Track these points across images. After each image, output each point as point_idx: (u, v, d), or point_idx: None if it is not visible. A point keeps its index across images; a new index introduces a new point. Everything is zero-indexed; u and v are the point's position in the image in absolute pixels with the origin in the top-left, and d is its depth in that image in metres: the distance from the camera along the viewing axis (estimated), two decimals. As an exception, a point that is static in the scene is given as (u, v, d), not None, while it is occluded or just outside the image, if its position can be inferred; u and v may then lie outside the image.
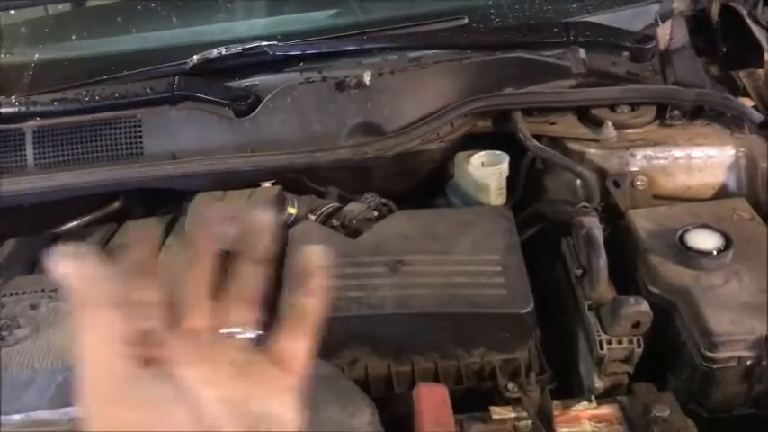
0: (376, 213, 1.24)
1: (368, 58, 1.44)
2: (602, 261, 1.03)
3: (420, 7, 1.56)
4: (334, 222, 1.23)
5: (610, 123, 1.24)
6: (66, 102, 1.37)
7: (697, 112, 1.27)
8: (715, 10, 1.37)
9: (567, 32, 1.39)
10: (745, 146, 1.19)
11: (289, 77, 1.40)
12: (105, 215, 1.38)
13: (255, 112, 1.34)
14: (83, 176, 1.29)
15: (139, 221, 1.34)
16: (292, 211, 1.27)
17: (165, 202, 1.40)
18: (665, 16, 1.45)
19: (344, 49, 1.45)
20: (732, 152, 1.19)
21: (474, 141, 1.36)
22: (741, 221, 1.09)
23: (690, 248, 1.02)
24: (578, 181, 1.23)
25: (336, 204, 1.29)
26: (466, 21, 1.46)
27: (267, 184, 1.32)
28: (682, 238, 1.03)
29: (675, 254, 1.03)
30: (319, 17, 1.63)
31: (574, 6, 1.50)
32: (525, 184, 1.31)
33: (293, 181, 1.34)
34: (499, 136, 1.35)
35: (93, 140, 1.33)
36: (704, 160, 1.20)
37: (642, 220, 1.12)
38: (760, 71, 1.32)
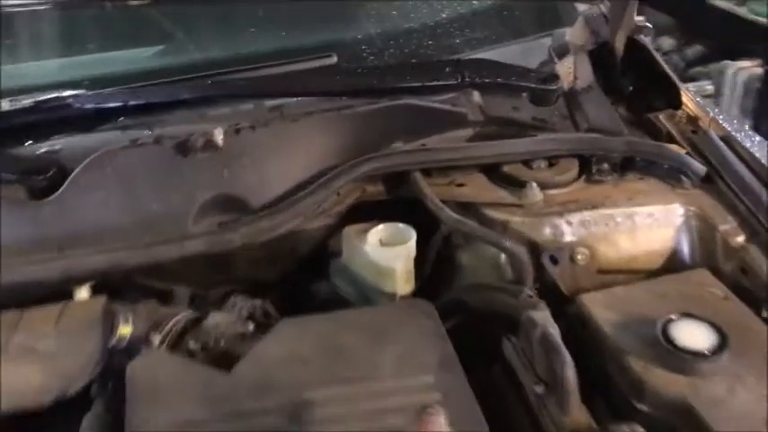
0: (251, 325, 0.90)
1: (213, 108, 1.10)
2: (572, 373, 0.78)
3: (273, 42, 1.24)
4: (192, 345, 0.87)
5: (534, 184, 1.00)
6: None
7: (626, 165, 1.07)
8: (620, 43, 1.20)
9: (460, 72, 1.14)
10: (693, 203, 1.00)
11: (106, 138, 1.02)
12: None
13: (61, 190, 0.95)
14: None
15: None
16: (126, 331, 0.89)
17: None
18: (560, 52, 1.26)
19: (181, 97, 1.10)
20: (681, 211, 0.99)
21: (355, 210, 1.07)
22: (716, 302, 0.88)
23: (679, 348, 0.79)
24: (502, 256, 0.98)
25: (190, 313, 0.93)
26: (335, 59, 1.17)
27: (83, 292, 0.93)
28: (665, 333, 0.80)
29: (659, 354, 0.80)
30: (139, 56, 1.26)
31: (457, 41, 1.27)
32: (435, 263, 1.04)
33: (122, 280, 0.96)
34: (387, 202, 1.07)
35: None
36: (649, 224, 0.99)
37: (600, 309, 0.88)
38: (680, 112, 1.16)
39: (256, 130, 1.01)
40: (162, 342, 0.89)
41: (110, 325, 0.88)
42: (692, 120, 1.14)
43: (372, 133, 1.08)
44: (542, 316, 0.85)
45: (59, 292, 0.91)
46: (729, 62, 3.03)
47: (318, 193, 0.96)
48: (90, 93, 1.07)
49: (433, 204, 0.99)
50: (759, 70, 2.95)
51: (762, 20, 2.94)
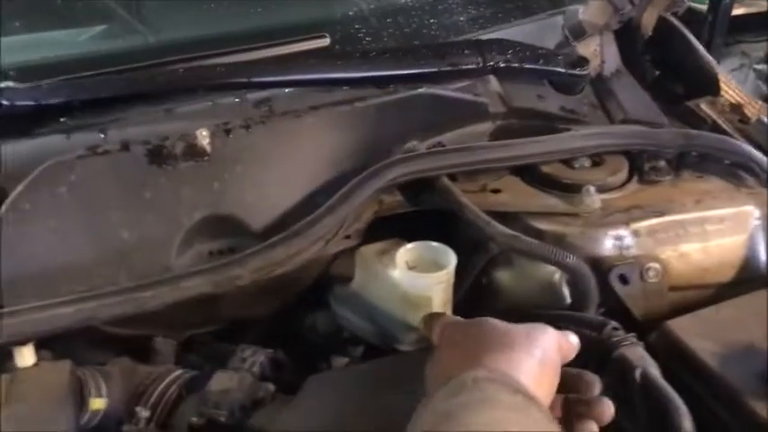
0: (272, 387, 0.69)
1: (183, 102, 0.87)
2: (689, 424, 0.64)
3: (247, 21, 1.02)
4: (195, 419, 0.65)
5: (592, 189, 0.84)
6: None
7: (679, 162, 0.92)
8: (648, 22, 1.05)
9: (481, 55, 0.96)
10: (768, 205, 0.86)
11: (50, 145, 0.77)
12: None
13: (-6, 219, 0.70)
14: None
15: None
16: (98, 404, 0.67)
17: None
18: (575, 32, 1.10)
19: (139, 89, 0.87)
20: (757, 214, 0.86)
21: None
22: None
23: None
24: (556, 276, 0.82)
25: (183, 374, 0.71)
26: (328, 41, 0.97)
27: (26, 354, 0.68)
28: (790, 368, 0.66)
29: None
30: (73, 39, 1.01)
31: (462, 19, 1.09)
32: (471, 286, 0.86)
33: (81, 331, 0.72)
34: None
35: None
36: (721, 230, 0.85)
37: (695, 338, 0.73)
38: (721, 99, 1.02)
39: (251, 129, 0.80)
40: (151, 418, 0.67)
41: (78, 398, 0.65)
42: (736, 108, 1.01)
43: (386, 130, 0.88)
44: (639, 354, 0.70)
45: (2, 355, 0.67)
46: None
47: (340, 208, 0.76)
48: (22, 85, 0.82)
49: (476, 217, 0.80)
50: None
51: (697, 6, 2.93)
